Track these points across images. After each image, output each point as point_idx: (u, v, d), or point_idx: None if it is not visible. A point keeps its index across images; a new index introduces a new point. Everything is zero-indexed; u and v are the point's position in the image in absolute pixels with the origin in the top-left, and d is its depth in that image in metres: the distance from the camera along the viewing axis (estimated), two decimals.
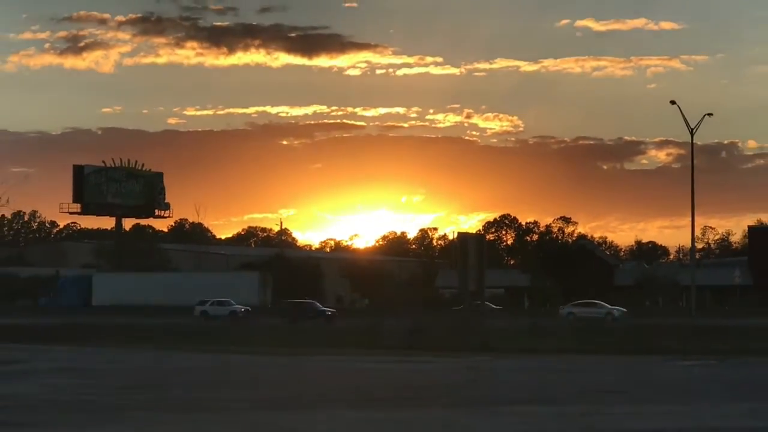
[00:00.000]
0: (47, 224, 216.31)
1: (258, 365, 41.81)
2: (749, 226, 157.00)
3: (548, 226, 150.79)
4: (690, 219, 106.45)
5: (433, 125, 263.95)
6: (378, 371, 38.51)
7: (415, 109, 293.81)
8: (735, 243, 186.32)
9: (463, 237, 59.39)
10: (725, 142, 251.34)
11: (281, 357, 45.48)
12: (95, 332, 65.02)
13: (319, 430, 21.96)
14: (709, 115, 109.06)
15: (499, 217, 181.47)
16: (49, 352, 50.28)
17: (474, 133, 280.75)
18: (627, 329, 60.21)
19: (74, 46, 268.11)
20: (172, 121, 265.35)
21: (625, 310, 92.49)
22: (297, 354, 46.98)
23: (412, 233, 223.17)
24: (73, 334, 63.22)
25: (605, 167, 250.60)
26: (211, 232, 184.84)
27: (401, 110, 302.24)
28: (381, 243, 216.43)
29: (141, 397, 28.45)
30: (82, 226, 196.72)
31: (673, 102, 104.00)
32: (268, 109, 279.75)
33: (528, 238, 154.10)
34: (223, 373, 38.75)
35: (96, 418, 24.32)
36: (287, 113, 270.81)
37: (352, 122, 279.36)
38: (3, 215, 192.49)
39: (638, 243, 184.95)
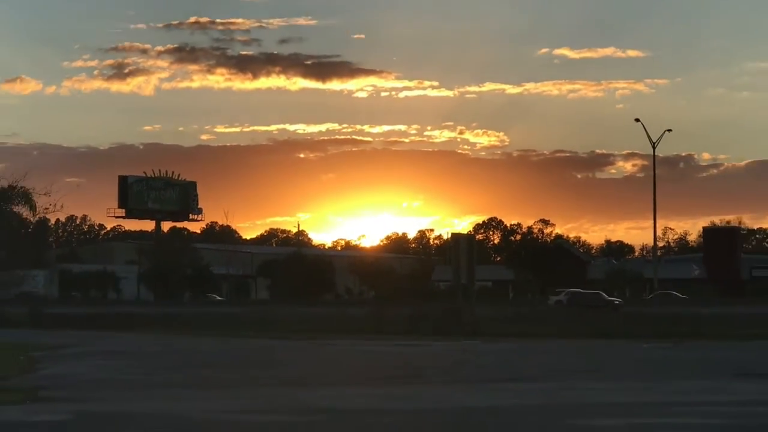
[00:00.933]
0: (96, 227, 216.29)
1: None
2: (704, 227, 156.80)
3: (530, 228, 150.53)
4: (652, 221, 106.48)
5: (430, 140, 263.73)
6: (388, 353, 38.47)
7: (414, 126, 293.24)
8: (692, 242, 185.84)
9: (456, 237, 59.38)
10: (683, 154, 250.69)
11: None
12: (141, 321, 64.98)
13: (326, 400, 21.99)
14: (669, 131, 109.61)
15: (487, 219, 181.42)
16: (98, 338, 50.29)
17: (465, 147, 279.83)
18: (595, 317, 60.04)
19: (119, 72, 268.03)
20: (204, 137, 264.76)
21: None
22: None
23: (411, 234, 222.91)
24: (121, 323, 63.15)
25: (579, 176, 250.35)
26: (238, 234, 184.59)
27: (402, 127, 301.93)
28: (385, 242, 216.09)
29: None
30: (126, 228, 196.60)
31: (637, 120, 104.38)
32: (287, 126, 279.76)
33: (512, 237, 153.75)
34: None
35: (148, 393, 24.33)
36: (304, 130, 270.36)
37: (360, 138, 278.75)
38: (58, 219, 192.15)
39: (608, 242, 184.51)
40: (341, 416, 19.74)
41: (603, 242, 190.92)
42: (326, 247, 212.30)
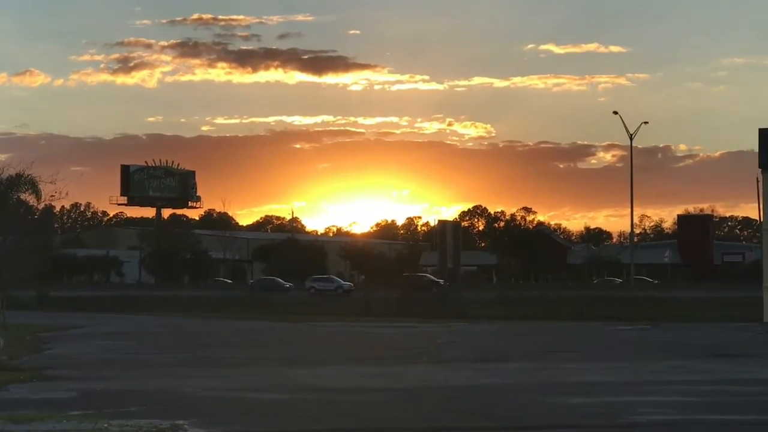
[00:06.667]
0: (99, 213, 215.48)
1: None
2: (678, 215, 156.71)
3: (513, 215, 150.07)
4: (630, 208, 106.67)
5: (420, 131, 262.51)
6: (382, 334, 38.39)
7: (405, 118, 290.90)
8: (667, 229, 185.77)
9: (442, 224, 59.40)
10: (660, 145, 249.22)
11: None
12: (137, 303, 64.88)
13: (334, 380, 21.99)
14: (645, 123, 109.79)
15: (473, 207, 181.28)
16: (101, 319, 50.23)
17: (454, 138, 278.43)
18: (576, 299, 59.96)
19: (125, 66, 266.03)
20: (204, 128, 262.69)
21: None
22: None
23: (400, 221, 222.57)
24: (120, 305, 63.03)
25: (561, 166, 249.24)
26: (235, 220, 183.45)
27: (394, 119, 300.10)
28: (375, 229, 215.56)
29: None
30: (128, 215, 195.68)
31: (615, 113, 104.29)
32: (284, 118, 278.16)
33: (496, 224, 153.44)
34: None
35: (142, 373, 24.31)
36: (300, 122, 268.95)
37: (354, 129, 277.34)
38: (63, 206, 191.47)
39: (587, 228, 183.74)
40: (335, 395, 19.78)
41: (582, 229, 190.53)
42: (319, 233, 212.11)
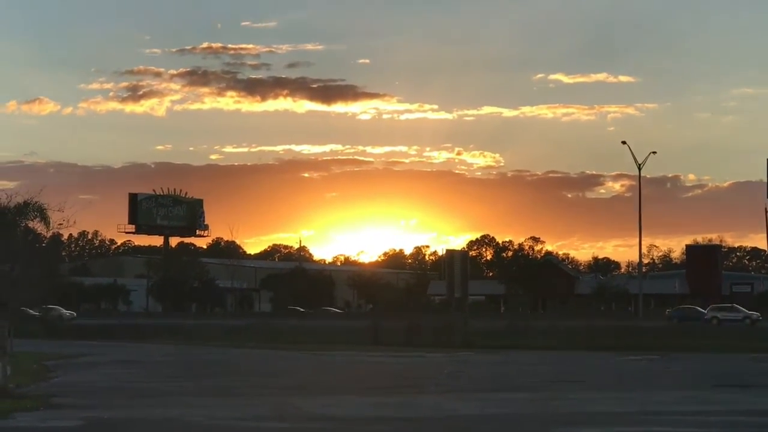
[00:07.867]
0: (107, 242, 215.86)
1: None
2: (687, 245, 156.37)
3: (521, 245, 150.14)
4: (638, 238, 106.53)
5: (429, 161, 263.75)
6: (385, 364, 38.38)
7: (414, 147, 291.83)
8: (675, 259, 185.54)
9: (450, 253, 59.32)
10: (669, 175, 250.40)
11: None
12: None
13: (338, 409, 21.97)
14: (654, 153, 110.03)
15: (481, 236, 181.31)
16: (109, 348, 50.17)
17: (462, 167, 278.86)
18: (580, 330, 59.90)
19: (134, 94, 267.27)
20: (213, 156, 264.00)
21: None
22: None
23: (408, 250, 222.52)
24: (131, 334, 62.85)
25: (570, 196, 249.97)
26: (243, 249, 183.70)
27: (403, 148, 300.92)
28: (383, 258, 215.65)
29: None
30: (136, 244, 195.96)
31: (624, 142, 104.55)
32: (293, 147, 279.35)
33: (504, 254, 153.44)
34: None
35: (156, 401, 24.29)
36: (309, 150, 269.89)
37: (363, 158, 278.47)
38: (70, 234, 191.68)
39: (595, 258, 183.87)
40: (341, 424, 19.75)
41: (591, 259, 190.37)
42: (326, 262, 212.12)
